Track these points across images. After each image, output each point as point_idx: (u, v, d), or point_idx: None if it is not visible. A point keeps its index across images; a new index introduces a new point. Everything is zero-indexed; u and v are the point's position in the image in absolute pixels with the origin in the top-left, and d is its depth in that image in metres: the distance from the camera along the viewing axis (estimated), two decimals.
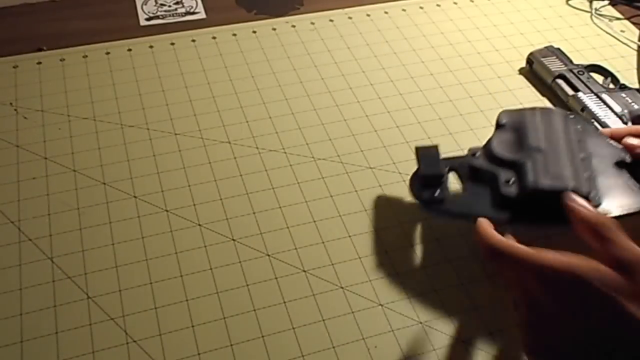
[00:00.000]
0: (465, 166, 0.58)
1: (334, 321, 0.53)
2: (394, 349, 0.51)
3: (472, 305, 0.55)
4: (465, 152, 0.61)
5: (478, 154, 0.58)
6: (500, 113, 0.61)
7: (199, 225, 0.59)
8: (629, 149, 0.58)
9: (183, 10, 0.86)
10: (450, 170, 0.59)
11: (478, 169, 0.57)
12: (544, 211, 0.53)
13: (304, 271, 0.56)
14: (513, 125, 0.59)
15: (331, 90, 0.74)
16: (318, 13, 0.86)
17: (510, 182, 0.55)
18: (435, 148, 0.59)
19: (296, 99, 0.73)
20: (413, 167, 0.65)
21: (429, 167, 0.58)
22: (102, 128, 0.68)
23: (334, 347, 0.51)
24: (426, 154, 0.59)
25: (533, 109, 0.61)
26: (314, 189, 0.63)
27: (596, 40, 0.84)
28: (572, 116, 0.62)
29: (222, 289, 0.55)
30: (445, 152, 0.67)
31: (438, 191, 0.56)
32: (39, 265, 0.56)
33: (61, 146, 0.66)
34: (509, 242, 0.48)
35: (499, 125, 0.60)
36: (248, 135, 0.68)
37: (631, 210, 0.55)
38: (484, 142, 0.68)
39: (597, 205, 0.54)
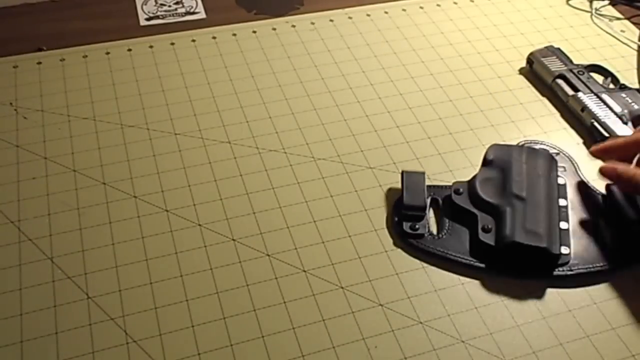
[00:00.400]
0: (447, 201, 0.61)
1: (334, 321, 0.53)
2: (394, 349, 0.51)
3: (472, 305, 0.55)
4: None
5: (461, 190, 0.61)
6: (489, 148, 0.63)
7: (199, 225, 0.59)
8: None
9: (183, 10, 0.86)
10: (432, 200, 0.61)
11: (460, 207, 0.60)
12: (517, 262, 0.56)
13: (304, 271, 0.56)
14: (499, 163, 0.62)
15: (331, 90, 0.74)
16: (318, 13, 0.86)
17: (488, 228, 0.57)
18: (422, 176, 0.61)
19: (296, 99, 0.73)
20: (413, 167, 0.65)
21: (413, 197, 0.60)
22: (102, 128, 0.68)
23: (334, 347, 0.51)
24: (411, 183, 0.61)
25: (521, 147, 0.64)
26: (314, 189, 0.63)
27: (596, 40, 0.84)
28: (558, 154, 0.65)
29: (222, 289, 0.55)
30: (444, 152, 0.67)
31: (418, 225, 0.59)
32: (39, 265, 0.56)
33: (61, 146, 0.66)
34: None
35: (485, 161, 0.62)
36: (248, 135, 0.68)
37: (596, 269, 0.57)
38: (482, 141, 0.69)
39: (566, 263, 0.57)
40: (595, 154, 0.61)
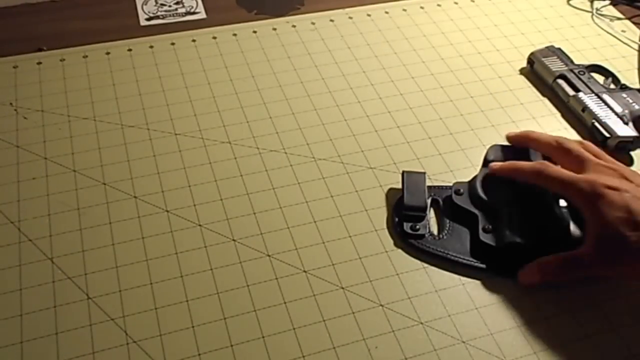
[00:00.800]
0: (447, 202, 0.61)
1: (335, 321, 0.53)
2: (394, 349, 0.51)
3: (473, 305, 0.55)
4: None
5: (462, 190, 0.61)
6: (490, 148, 0.64)
7: (199, 225, 0.59)
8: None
9: (183, 10, 0.86)
10: (433, 200, 0.61)
11: (460, 207, 0.60)
12: (518, 262, 0.56)
13: (305, 271, 0.56)
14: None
15: (332, 90, 0.74)
16: (318, 13, 0.86)
17: (489, 228, 0.57)
18: (422, 176, 0.61)
19: (296, 99, 0.73)
20: (413, 167, 0.65)
21: (413, 197, 0.60)
22: (102, 128, 0.68)
23: (334, 348, 0.51)
24: (412, 183, 0.61)
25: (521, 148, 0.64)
26: (314, 189, 0.63)
27: (597, 40, 0.84)
28: None
29: (223, 290, 0.55)
30: (445, 152, 0.67)
31: (419, 226, 0.58)
32: (39, 266, 0.55)
33: (61, 146, 0.66)
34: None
35: (486, 161, 0.62)
36: (248, 135, 0.68)
37: None
38: (482, 141, 0.69)
39: None
40: (513, 140, 0.64)
